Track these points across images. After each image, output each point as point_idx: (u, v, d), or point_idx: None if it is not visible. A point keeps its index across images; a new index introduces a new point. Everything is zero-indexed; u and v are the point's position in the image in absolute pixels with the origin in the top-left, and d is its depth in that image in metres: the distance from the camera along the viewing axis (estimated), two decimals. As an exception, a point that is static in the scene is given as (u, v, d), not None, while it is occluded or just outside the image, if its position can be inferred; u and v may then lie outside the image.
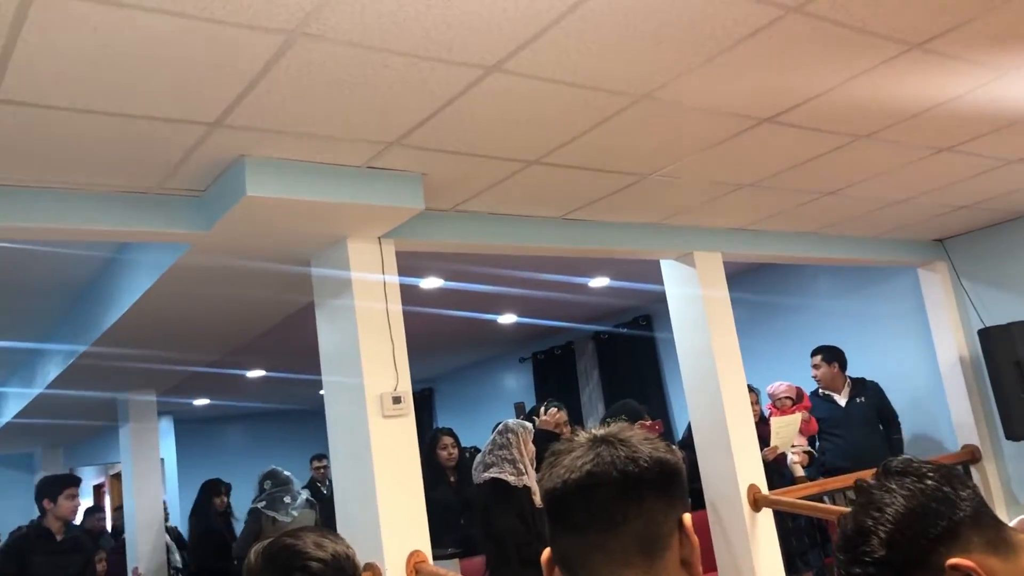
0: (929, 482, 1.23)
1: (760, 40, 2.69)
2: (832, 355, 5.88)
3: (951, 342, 5.88)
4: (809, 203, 4.65)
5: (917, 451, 6.12)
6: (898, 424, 5.76)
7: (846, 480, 4.71)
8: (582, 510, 1.09)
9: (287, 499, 5.74)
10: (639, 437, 1.12)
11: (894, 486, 1.24)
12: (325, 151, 3.11)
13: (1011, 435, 5.38)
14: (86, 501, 12.83)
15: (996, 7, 2.70)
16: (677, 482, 1.12)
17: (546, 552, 1.14)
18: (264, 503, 5.71)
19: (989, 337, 5.41)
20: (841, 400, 5.82)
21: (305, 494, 6.02)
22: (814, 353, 5.93)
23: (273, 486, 5.81)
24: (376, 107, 2.80)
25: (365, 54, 2.46)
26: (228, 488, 7.26)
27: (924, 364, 6.09)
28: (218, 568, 6.47)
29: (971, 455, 5.71)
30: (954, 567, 1.16)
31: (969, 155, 4.18)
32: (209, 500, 7.02)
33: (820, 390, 5.89)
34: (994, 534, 1.20)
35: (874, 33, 2.76)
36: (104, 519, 8.97)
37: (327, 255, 3.73)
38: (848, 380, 5.87)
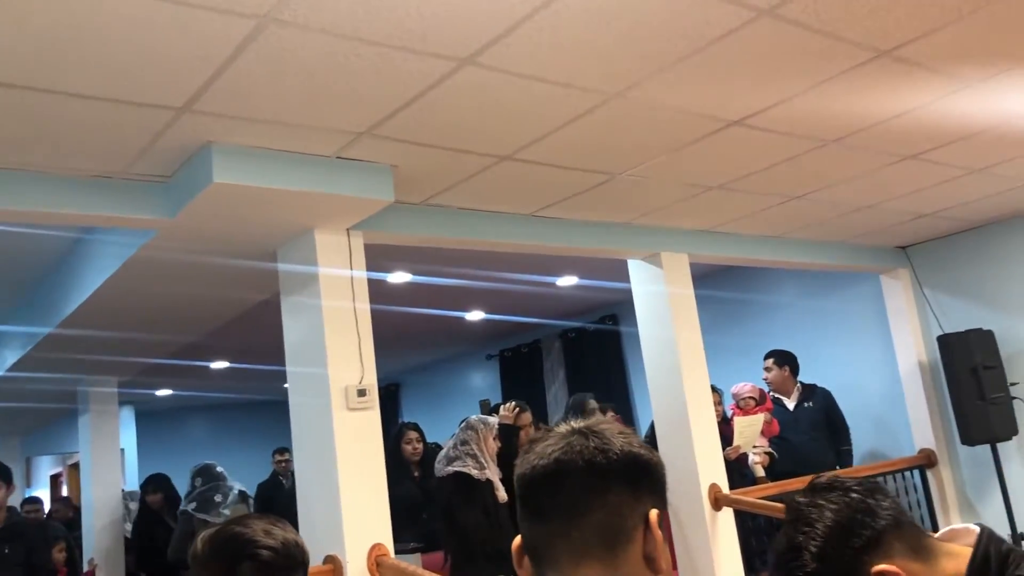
0: (854, 495, 1.32)
1: (732, 42, 2.72)
2: (784, 359, 5.97)
3: (911, 348, 5.98)
4: (776, 207, 4.70)
5: (876, 455, 6.22)
6: (847, 435, 5.80)
7: (806, 482, 4.77)
8: (548, 497, 1.10)
9: (218, 497, 5.63)
10: (615, 431, 1.13)
11: (822, 501, 1.32)
12: (294, 140, 3.09)
13: (967, 440, 5.48)
14: (43, 491, 12.65)
15: (963, 18, 2.75)
16: (647, 478, 1.12)
17: (516, 540, 1.14)
18: (194, 504, 5.60)
19: (948, 344, 5.51)
20: (790, 404, 5.91)
21: (238, 486, 5.87)
22: (767, 356, 6.02)
23: (204, 483, 5.69)
24: (347, 97, 2.79)
25: (337, 42, 2.44)
26: (163, 482, 6.67)
27: (885, 369, 6.18)
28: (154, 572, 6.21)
29: (927, 459, 5.81)
30: (880, 573, 1.24)
31: (932, 164, 4.25)
32: (143, 501, 6.66)
33: (771, 393, 5.97)
34: (915, 541, 1.29)
35: (845, 39, 2.80)
36: (68, 508, 8.72)
37: (294, 245, 3.71)
38: (798, 385, 5.95)
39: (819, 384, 5.97)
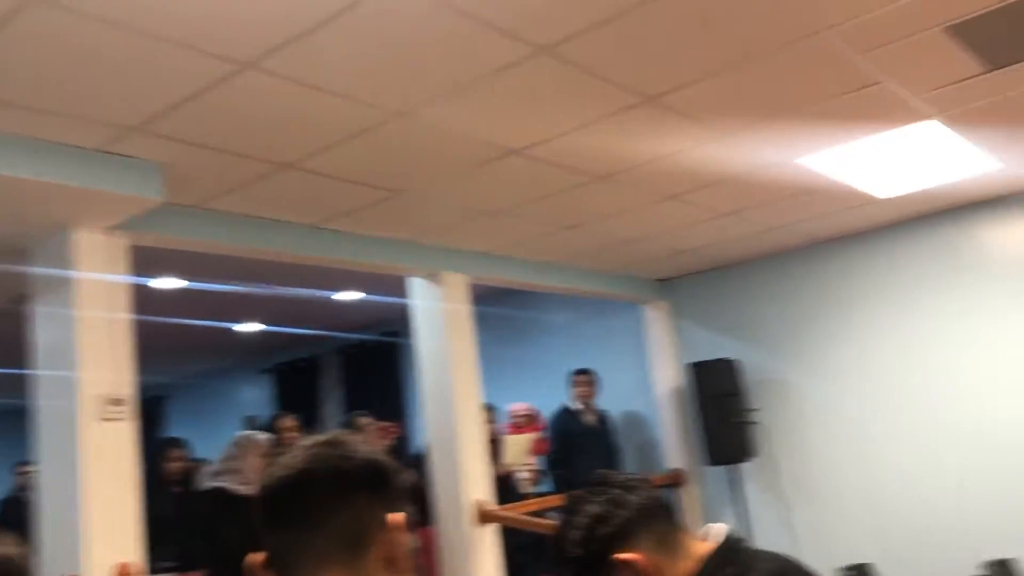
0: (615, 490, 1.45)
1: (512, 75, 2.85)
2: (595, 377, 6.33)
3: (667, 375, 6.45)
4: (552, 234, 4.93)
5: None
6: (618, 462, 6.24)
7: (567, 498, 5.00)
8: (293, 505, 1.13)
9: None
10: (357, 440, 1.18)
11: (588, 495, 1.45)
12: (55, 128, 2.88)
13: (712, 461, 5.97)
14: None
15: (723, 71, 3.04)
16: (388, 484, 1.17)
17: (254, 558, 1.15)
18: None
19: (698, 371, 5.98)
20: (591, 422, 6.23)
21: None
22: (581, 372, 6.30)
23: None
24: (117, 88, 2.65)
25: (110, 30, 2.33)
26: None
27: (644, 393, 6.62)
28: None
29: (676, 478, 6.26)
30: (621, 561, 1.37)
31: (690, 204, 4.64)
32: None
33: (576, 409, 6.25)
34: (664, 535, 1.43)
35: (615, 82, 3.02)
36: None
37: (49, 242, 3.43)
38: (597, 407, 6.32)
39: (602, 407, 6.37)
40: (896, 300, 5.61)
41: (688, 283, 6.55)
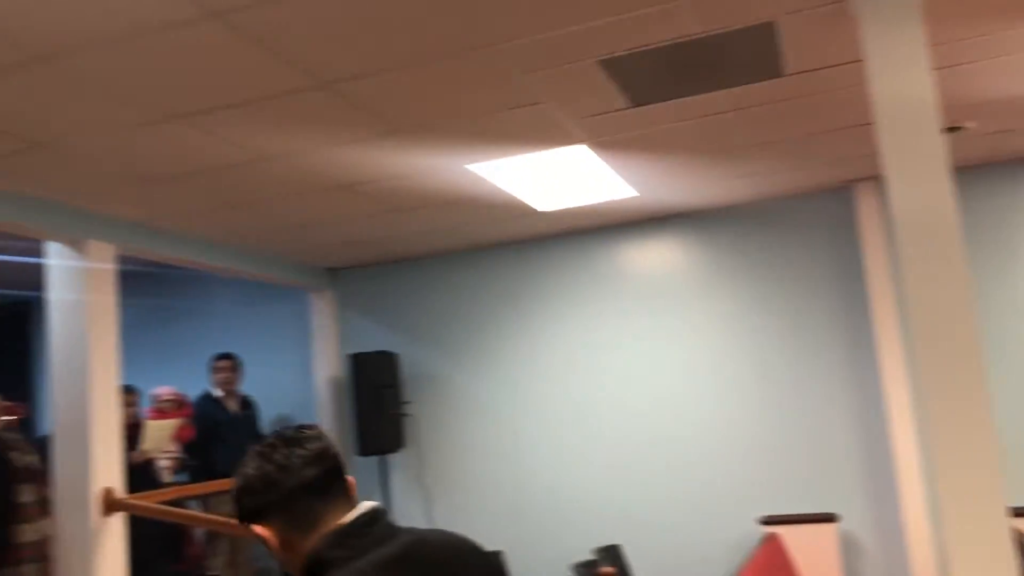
0: (276, 457, 1.47)
1: (177, 35, 2.68)
2: (239, 363, 6.05)
3: (328, 364, 6.43)
4: (214, 210, 4.70)
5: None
6: None
7: (207, 487, 4.80)
8: None
9: None
10: None
11: (257, 455, 1.49)
12: None
13: (362, 452, 6.04)
14: None
15: (400, 67, 3.09)
16: None
17: None
18: None
19: (358, 362, 6.03)
20: (235, 409, 5.99)
21: None
22: (223, 357, 6.01)
23: None
24: None
25: None
26: None
27: (304, 381, 6.55)
28: None
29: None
30: (255, 532, 1.47)
31: (360, 196, 4.66)
32: None
33: (218, 396, 5.96)
34: (305, 512, 1.44)
35: (287, 60, 2.95)
36: None
37: None
38: (239, 393, 6.08)
39: (246, 393, 6.14)
40: (549, 306, 6.07)
41: (357, 274, 6.59)
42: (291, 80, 3.10)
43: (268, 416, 6.26)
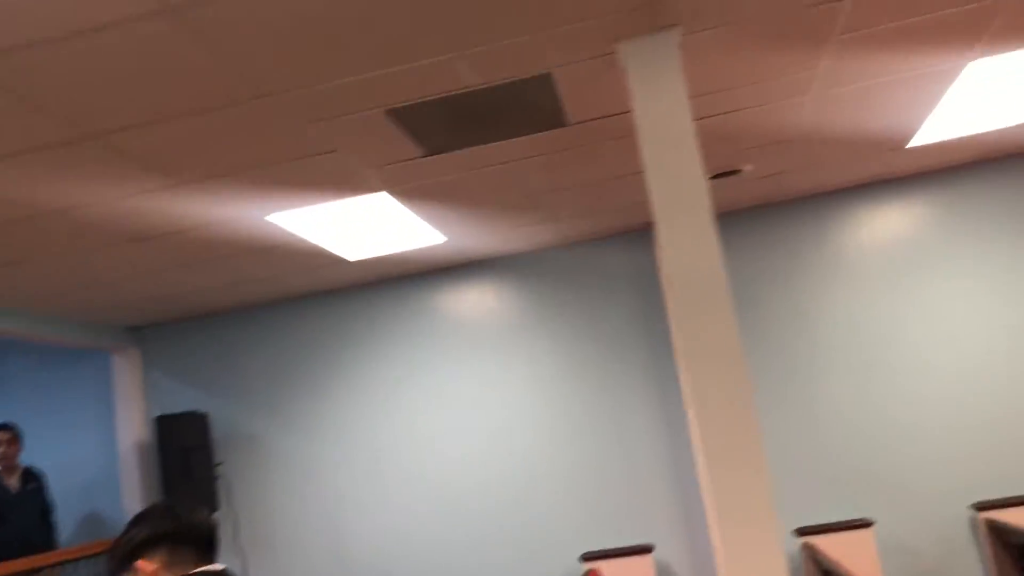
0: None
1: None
2: (18, 434, 5.54)
3: (133, 427, 6.07)
4: (-8, 270, 4.38)
5: (90, 536, 6.07)
6: (53, 520, 5.65)
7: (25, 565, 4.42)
8: None
9: None
10: None
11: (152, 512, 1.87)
12: None
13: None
14: None
15: (178, 117, 2.99)
16: None
17: None
18: None
19: (164, 425, 5.73)
20: (14, 485, 5.48)
21: None
22: (3, 428, 5.49)
23: None
24: None
25: None
26: None
27: (105, 448, 6.14)
28: None
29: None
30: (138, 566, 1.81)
31: (157, 250, 4.46)
32: None
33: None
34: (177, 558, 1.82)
35: (49, 112, 2.80)
36: None
37: None
38: (20, 466, 5.58)
39: (34, 464, 5.66)
40: (365, 356, 6.00)
41: (162, 331, 6.28)
42: (55, 131, 2.94)
43: (67, 486, 5.81)
